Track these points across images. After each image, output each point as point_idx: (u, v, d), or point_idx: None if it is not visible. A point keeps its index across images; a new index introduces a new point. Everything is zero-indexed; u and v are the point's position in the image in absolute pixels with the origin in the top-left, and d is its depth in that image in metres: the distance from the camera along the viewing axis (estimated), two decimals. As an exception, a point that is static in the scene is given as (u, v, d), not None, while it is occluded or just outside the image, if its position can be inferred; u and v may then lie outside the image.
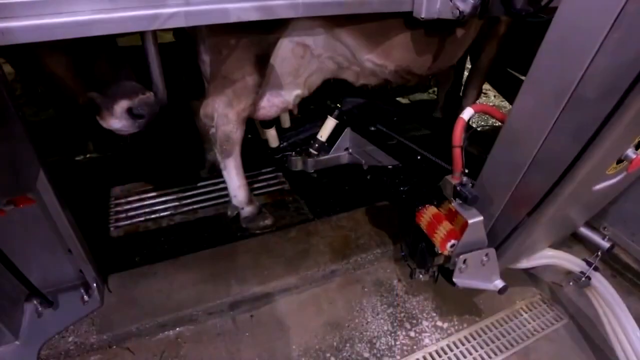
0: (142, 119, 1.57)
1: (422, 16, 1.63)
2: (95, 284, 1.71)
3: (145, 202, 2.31)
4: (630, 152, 1.28)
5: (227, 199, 2.12)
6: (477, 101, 2.83)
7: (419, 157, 1.84)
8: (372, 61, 1.91)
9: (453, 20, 1.61)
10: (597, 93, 1.10)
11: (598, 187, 1.37)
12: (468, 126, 1.35)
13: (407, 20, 1.74)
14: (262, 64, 1.78)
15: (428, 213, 1.41)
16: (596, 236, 1.71)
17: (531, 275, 2.12)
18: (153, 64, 1.57)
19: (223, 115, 1.85)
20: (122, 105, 1.51)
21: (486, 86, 3.41)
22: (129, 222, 2.17)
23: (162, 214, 2.23)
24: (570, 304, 2.00)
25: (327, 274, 1.94)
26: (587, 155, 1.16)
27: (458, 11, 1.58)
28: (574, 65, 1.10)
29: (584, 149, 1.16)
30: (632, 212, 2.14)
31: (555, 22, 1.12)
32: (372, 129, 2.13)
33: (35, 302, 1.63)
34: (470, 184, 1.33)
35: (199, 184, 2.40)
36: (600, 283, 1.65)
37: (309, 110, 2.65)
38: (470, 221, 1.29)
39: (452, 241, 1.33)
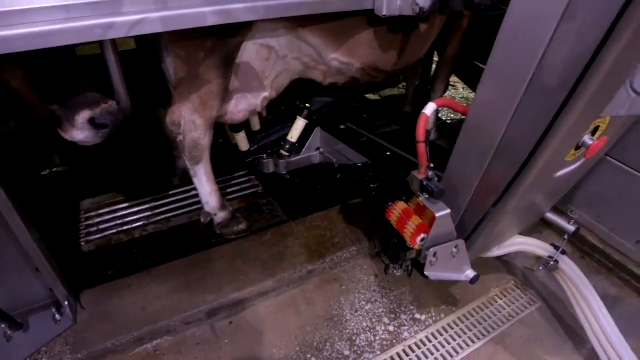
0: (105, 128, 1.54)
1: (384, 13, 1.64)
2: (67, 302, 1.67)
3: (117, 214, 2.26)
4: (587, 139, 1.32)
5: (200, 205, 2.10)
6: (445, 94, 2.87)
7: (388, 153, 1.86)
8: (338, 60, 1.92)
9: (415, 16, 1.64)
10: (552, 82, 1.13)
11: (559, 173, 1.41)
12: (437, 119, 1.38)
13: (370, 17, 1.75)
14: (227, 68, 1.77)
15: (398, 209, 1.43)
16: (562, 221, 1.76)
17: (505, 262, 2.18)
18: (114, 72, 1.54)
19: (190, 121, 1.82)
20: (83, 115, 1.49)
21: (455, 79, 3.47)
22: (100, 235, 2.13)
23: (134, 225, 2.19)
24: (543, 287, 2.05)
25: (303, 275, 1.94)
26: (546, 143, 1.19)
27: (418, 7, 1.60)
28: (528, 55, 1.13)
29: (543, 137, 1.20)
30: (596, 195, 2.21)
31: (509, 14, 1.15)
32: (342, 127, 2.14)
33: (3, 326, 1.58)
34: (436, 178, 1.35)
35: (171, 192, 2.37)
36: (568, 266, 1.71)
37: (280, 111, 2.64)
38: (437, 215, 1.31)
39: (422, 235, 1.35)
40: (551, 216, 1.79)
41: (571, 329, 1.85)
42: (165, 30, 1.31)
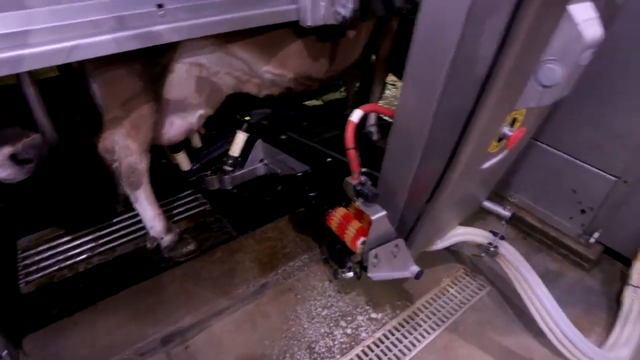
0: (30, 163, 1.48)
1: (308, 24, 1.68)
2: (6, 351, 1.57)
3: (58, 249, 2.15)
4: (507, 130, 1.39)
5: (146, 231, 2.04)
6: (384, 93, 2.95)
7: (328, 159, 1.88)
8: (270, 72, 1.93)
9: (339, 24, 1.68)
10: (464, 82, 1.19)
11: (486, 165, 1.48)
12: (378, 119, 1.40)
13: (297, 29, 1.77)
14: (157, 89, 1.74)
15: (337, 215, 1.46)
16: (498, 208, 1.84)
17: (453, 252, 2.26)
18: (34, 104, 1.49)
19: (124, 147, 1.78)
20: (3, 152, 1.42)
21: (395, 78, 3.55)
22: (41, 274, 2.02)
23: (77, 258, 2.10)
24: (490, 272, 2.15)
25: (257, 289, 1.93)
26: (466, 138, 1.25)
27: (340, 16, 1.65)
28: (441, 58, 1.17)
29: (463, 133, 1.26)
30: (530, 180, 2.36)
31: (419, 20, 1.19)
32: (283, 137, 2.15)
33: None
34: (370, 182, 1.39)
35: (114, 220, 2.29)
36: (507, 250, 1.79)
37: (223, 125, 2.61)
38: (373, 217, 1.34)
39: (362, 238, 1.38)
40: (487, 204, 1.87)
41: (519, 309, 1.94)
42: (87, 57, 1.27)
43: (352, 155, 1.33)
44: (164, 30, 1.41)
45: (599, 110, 1.94)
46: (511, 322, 1.94)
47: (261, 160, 2.25)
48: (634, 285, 1.96)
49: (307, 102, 2.99)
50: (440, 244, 1.87)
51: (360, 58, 2.57)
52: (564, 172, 2.19)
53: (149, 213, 1.93)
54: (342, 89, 3.61)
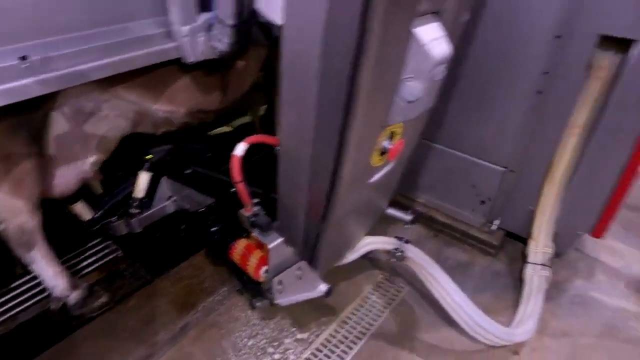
0: None
1: (191, 60, 1.69)
2: None
3: (-54, 328, 1.95)
4: (386, 144, 1.48)
5: (49, 291, 1.91)
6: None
7: (232, 190, 1.87)
8: (161, 110, 1.90)
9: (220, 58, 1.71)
10: (333, 103, 1.24)
11: (374, 178, 1.56)
12: None
13: (182, 65, 1.77)
14: (39, 141, 1.65)
15: (240, 247, 1.46)
16: (399, 213, 1.95)
17: (371, 259, 2.33)
18: None
19: (8, 207, 1.66)
20: None
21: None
22: None
23: (-28, 334, 1.91)
24: (407, 273, 2.24)
25: (177, 332, 1.88)
26: (343, 156, 1.31)
27: (218, 50, 1.68)
28: (308, 85, 1.22)
29: (339, 151, 1.31)
30: (434, 180, 2.53)
31: (283, 51, 1.24)
32: (188, 171, 2.12)
33: None
34: (264, 212, 1.41)
35: (13, 285, 2.11)
36: (413, 253, 1.90)
37: (127, 167, 2.51)
38: (270, 246, 1.37)
39: (264, 267, 1.40)
40: (390, 211, 1.97)
41: (436, 305, 2.03)
42: None
43: (241, 188, 1.34)
44: (30, 84, 1.35)
45: (482, 111, 2.14)
46: (431, 318, 2.05)
47: (169, 198, 2.19)
48: (531, 263, 2.15)
49: (217, 130, 2.97)
50: (350, 257, 1.93)
51: (263, 81, 2.62)
52: (462, 170, 2.37)
53: (48, 272, 1.81)
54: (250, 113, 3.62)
